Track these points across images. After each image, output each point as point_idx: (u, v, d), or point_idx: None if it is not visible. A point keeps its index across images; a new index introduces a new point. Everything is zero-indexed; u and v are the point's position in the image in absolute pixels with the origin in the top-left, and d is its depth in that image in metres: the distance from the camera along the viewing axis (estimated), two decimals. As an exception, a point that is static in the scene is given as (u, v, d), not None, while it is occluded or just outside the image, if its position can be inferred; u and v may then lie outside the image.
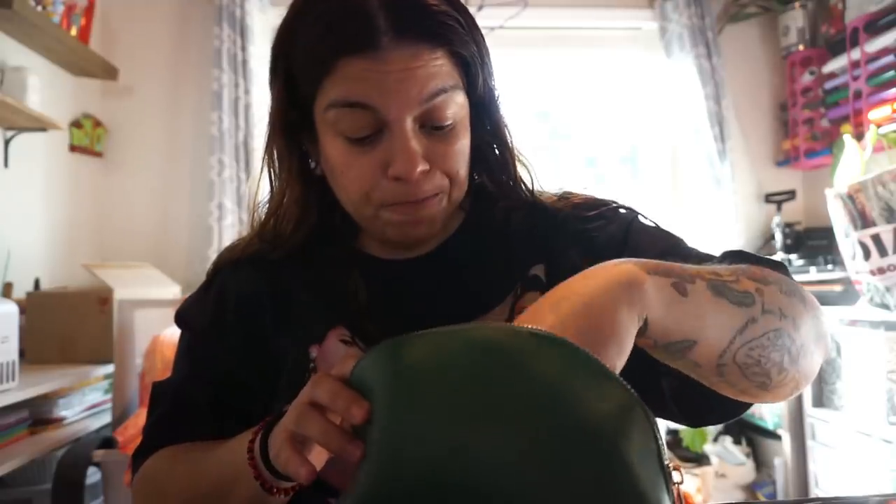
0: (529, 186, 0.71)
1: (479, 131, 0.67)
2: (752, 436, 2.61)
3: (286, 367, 0.66)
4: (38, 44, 2.13)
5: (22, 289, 2.05)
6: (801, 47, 2.70)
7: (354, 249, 0.71)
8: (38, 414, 1.76)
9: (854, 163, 2.09)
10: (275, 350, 0.67)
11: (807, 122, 2.69)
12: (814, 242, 2.64)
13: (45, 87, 2.10)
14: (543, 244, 0.69)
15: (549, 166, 2.90)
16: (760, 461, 2.56)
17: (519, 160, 0.70)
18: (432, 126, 0.60)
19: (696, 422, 0.62)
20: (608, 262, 0.48)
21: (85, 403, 1.93)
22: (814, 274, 2.34)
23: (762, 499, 2.34)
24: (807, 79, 2.68)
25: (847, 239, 1.93)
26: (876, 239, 1.82)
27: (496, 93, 0.67)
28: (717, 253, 0.62)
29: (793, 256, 2.55)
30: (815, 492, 2.11)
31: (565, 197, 0.72)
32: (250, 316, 0.69)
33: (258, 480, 0.52)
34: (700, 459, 2.53)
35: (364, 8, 0.56)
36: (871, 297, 1.91)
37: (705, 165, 2.70)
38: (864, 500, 0.75)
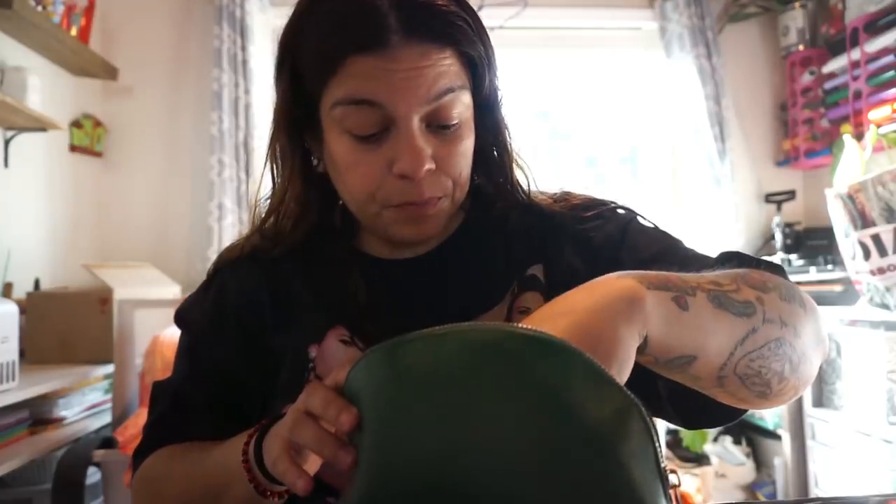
0: (526, 189, 0.71)
1: (482, 132, 0.67)
2: (752, 436, 2.61)
3: (285, 366, 0.66)
4: (38, 44, 2.13)
5: (22, 289, 2.05)
6: (801, 47, 2.70)
7: (354, 249, 0.71)
8: (38, 414, 1.76)
9: (854, 163, 2.09)
10: (274, 348, 0.67)
11: (807, 122, 2.69)
12: (814, 242, 2.64)
13: (45, 87, 2.10)
14: (542, 244, 0.69)
15: (549, 166, 2.90)
16: (760, 461, 2.56)
17: (516, 163, 0.71)
18: (438, 125, 0.60)
19: (692, 424, 0.62)
20: (609, 275, 0.48)
21: (85, 403, 1.93)
22: (814, 274, 2.33)
23: (762, 499, 2.34)
24: (807, 79, 2.68)
25: (847, 239, 1.93)
26: (876, 239, 1.82)
27: (500, 95, 0.67)
28: (714, 254, 0.62)
29: (793, 256, 2.55)
30: (815, 492, 2.11)
31: (564, 198, 0.72)
32: (250, 314, 0.69)
33: (252, 483, 0.52)
34: (700, 459, 2.53)
35: (374, 6, 0.56)
36: (871, 297, 1.91)
37: (705, 165, 2.70)
38: (864, 500, 0.75)
